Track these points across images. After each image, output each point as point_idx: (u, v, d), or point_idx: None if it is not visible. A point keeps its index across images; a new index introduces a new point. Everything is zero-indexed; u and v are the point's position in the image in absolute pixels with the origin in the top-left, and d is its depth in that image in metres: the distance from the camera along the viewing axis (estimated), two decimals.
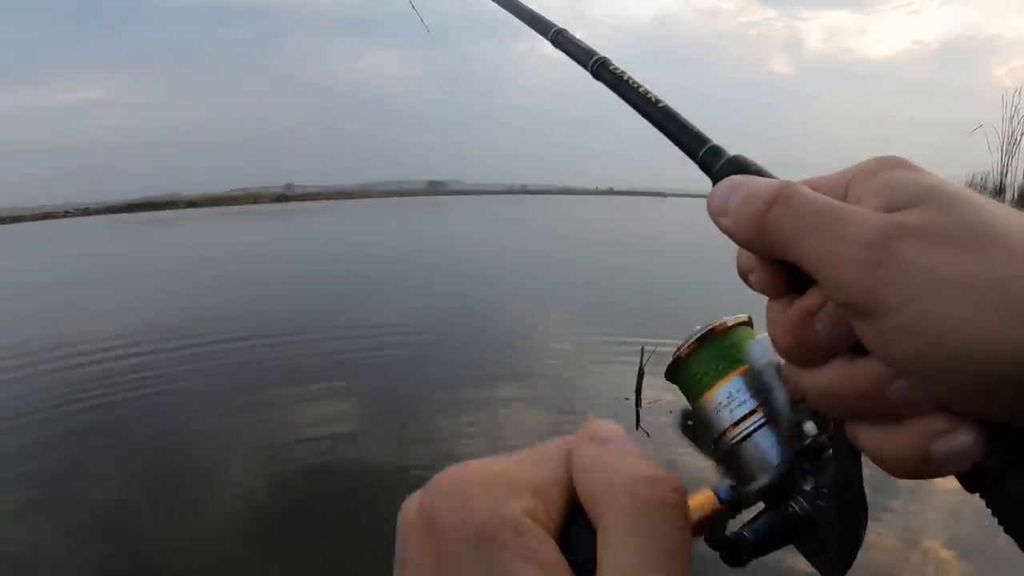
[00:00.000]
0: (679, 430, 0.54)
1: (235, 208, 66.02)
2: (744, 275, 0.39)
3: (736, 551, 0.45)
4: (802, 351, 0.36)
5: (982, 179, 23.34)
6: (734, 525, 0.46)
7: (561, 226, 40.65)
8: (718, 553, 0.45)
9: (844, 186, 0.36)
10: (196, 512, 4.95)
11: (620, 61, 0.56)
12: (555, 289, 14.80)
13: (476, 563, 0.29)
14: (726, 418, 0.49)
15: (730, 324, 0.52)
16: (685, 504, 0.33)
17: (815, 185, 0.36)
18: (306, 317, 11.82)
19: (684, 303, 13.85)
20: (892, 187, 0.33)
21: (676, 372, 0.54)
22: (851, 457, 0.42)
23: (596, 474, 0.33)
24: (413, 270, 18.19)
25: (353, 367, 8.65)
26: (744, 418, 0.48)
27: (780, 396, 0.46)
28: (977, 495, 0.33)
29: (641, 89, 0.52)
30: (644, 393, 6.89)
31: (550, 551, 0.29)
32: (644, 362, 7.00)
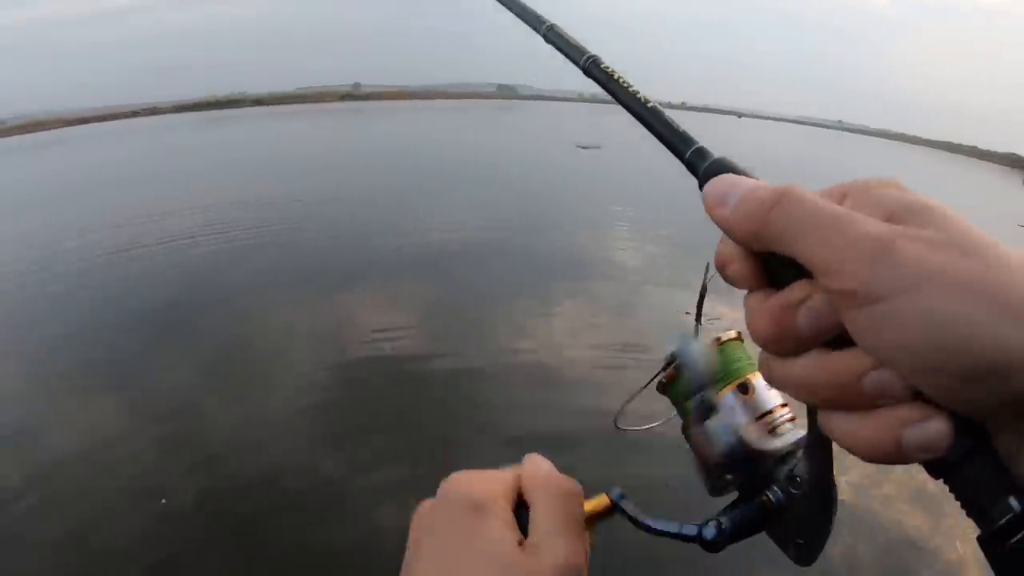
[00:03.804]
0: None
1: (302, 106, 66.13)
2: (721, 267, 0.42)
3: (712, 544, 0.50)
4: (781, 341, 0.38)
5: None
6: (710, 512, 0.51)
7: (632, 137, 39.88)
8: (698, 543, 0.50)
9: (840, 197, 0.38)
10: (260, 397, 5.09)
11: None
12: (622, 200, 14.52)
13: (471, 519, 0.49)
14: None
15: (723, 340, 0.54)
16: (581, 494, 0.52)
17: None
18: (373, 213, 11.91)
19: None
20: (890, 202, 0.36)
21: (668, 387, 0.56)
22: (824, 448, 0.45)
23: (534, 480, 0.52)
24: (481, 172, 18.08)
25: (417, 263, 8.74)
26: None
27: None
28: (941, 481, 0.36)
29: (631, 89, 0.53)
30: (705, 310, 6.73)
31: (509, 516, 0.50)
32: (708, 278, 6.81)
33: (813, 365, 0.37)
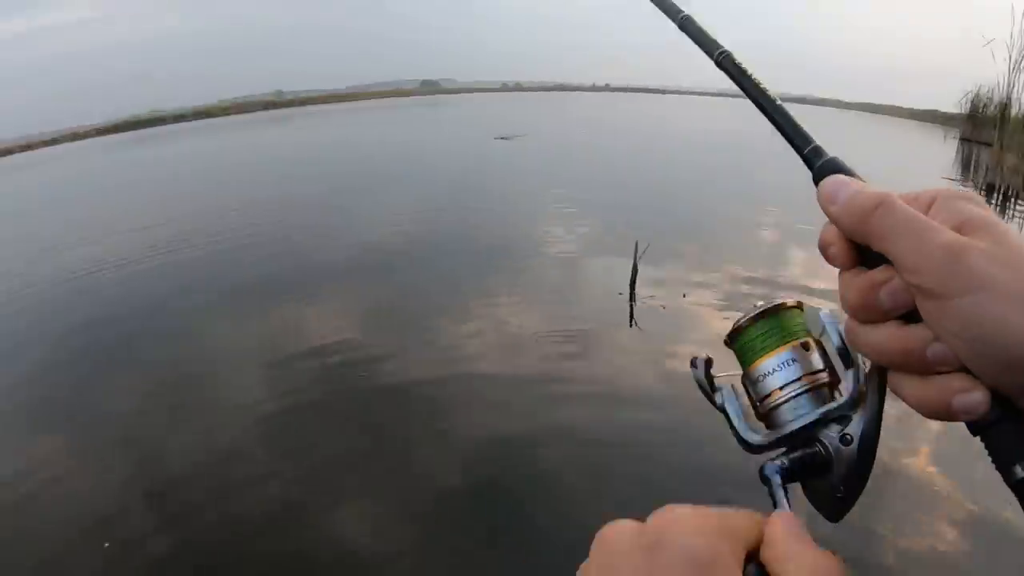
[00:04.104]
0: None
1: (225, 119, 64.66)
2: (824, 248, 0.51)
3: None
4: (865, 311, 0.48)
5: (989, 93, 23.05)
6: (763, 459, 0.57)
7: (558, 122, 40.06)
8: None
9: (929, 201, 0.48)
10: (210, 422, 4.97)
11: None
12: (549, 184, 14.65)
13: None
14: (772, 383, 0.58)
15: (789, 305, 0.60)
16: None
17: (906, 198, 0.48)
18: (303, 221, 11.80)
19: (680, 198, 13.81)
20: (966, 215, 0.46)
21: (734, 339, 0.62)
22: (879, 413, 0.53)
23: (786, 548, 0.42)
24: (410, 169, 18.03)
25: (352, 266, 8.71)
26: (787, 384, 0.57)
27: None
28: (978, 438, 0.47)
29: (762, 85, 0.59)
30: (638, 289, 6.86)
31: None
32: (638, 256, 6.94)
33: (889, 333, 0.47)
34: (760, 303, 0.60)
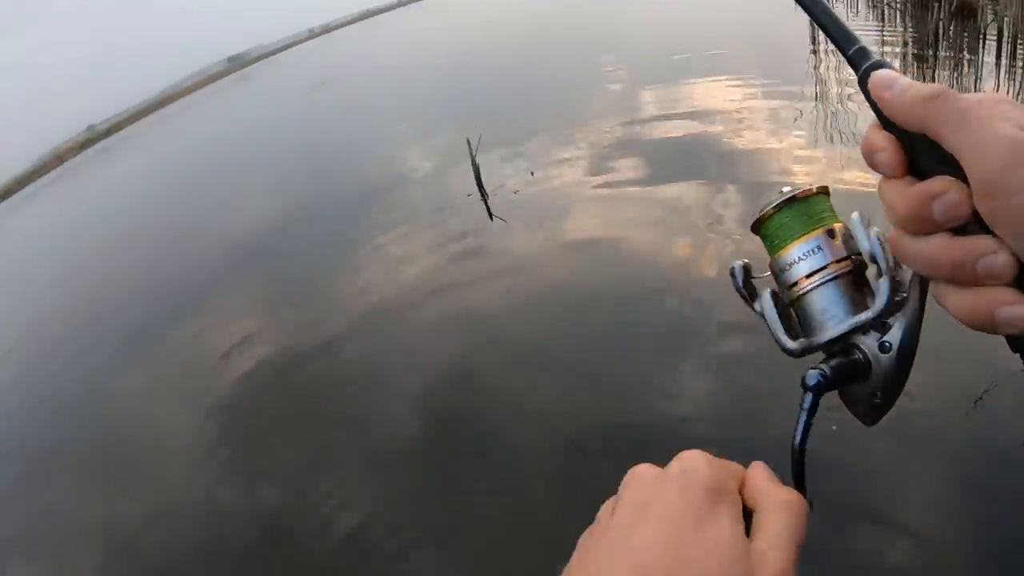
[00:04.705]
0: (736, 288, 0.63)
1: (47, 176, 60.41)
2: (870, 154, 0.49)
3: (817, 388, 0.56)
4: (916, 223, 0.47)
5: None
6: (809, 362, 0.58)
7: (370, 52, 39.06)
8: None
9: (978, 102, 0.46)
10: (156, 474, 4.78)
11: None
12: (374, 116, 14.41)
13: (707, 503, 0.50)
14: (799, 271, 0.58)
15: (814, 191, 0.59)
16: (804, 512, 0.52)
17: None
18: (155, 252, 11.20)
19: (511, 84, 13.72)
20: (1017, 117, 0.43)
21: (761, 227, 0.62)
22: (918, 322, 0.53)
23: (765, 486, 0.53)
24: (242, 157, 17.35)
25: (231, 269, 8.39)
26: (814, 273, 0.58)
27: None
28: (1018, 356, 0.47)
29: None
30: (487, 183, 6.85)
31: (740, 512, 0.51)
32: (475, 153, 6.90)
33: (940, 245, 0.46)
34: (786, 188, 0.59)
